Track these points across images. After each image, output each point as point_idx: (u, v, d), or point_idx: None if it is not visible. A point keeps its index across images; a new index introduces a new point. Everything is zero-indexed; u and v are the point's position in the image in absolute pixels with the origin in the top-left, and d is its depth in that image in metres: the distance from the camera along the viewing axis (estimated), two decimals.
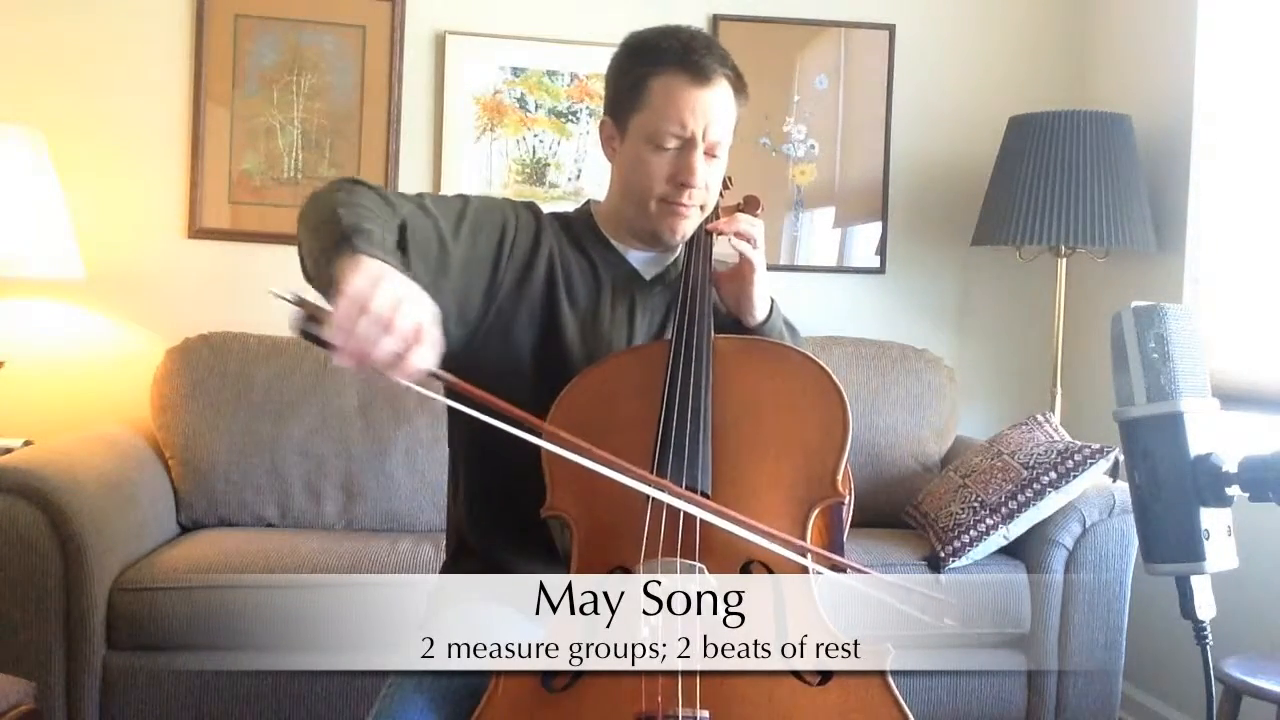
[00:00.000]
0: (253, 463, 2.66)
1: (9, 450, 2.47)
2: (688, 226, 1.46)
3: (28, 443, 2.59)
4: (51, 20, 2.90)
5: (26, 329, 2.86)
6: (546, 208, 1.54)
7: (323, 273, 1.13)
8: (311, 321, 1.01)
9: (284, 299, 1.01)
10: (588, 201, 1.60)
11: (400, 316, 1.01)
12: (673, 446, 1.24)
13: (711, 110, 1.39)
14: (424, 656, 1.29)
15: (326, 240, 1.15)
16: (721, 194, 1.60)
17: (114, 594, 2.21)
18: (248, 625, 2.23)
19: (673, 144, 1.40)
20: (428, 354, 1.03)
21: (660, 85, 1.39)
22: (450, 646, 1.31)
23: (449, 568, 1.54)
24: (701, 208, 1.46)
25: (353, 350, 1.00)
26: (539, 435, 1.15)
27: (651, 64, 1.40)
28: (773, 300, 1.49)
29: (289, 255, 3.00)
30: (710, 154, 1.42)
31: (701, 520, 1.16)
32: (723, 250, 1.50)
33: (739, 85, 1.44)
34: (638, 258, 1.52)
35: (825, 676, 1.11)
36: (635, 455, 1.24)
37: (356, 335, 1.00)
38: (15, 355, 2.76)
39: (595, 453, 1.12)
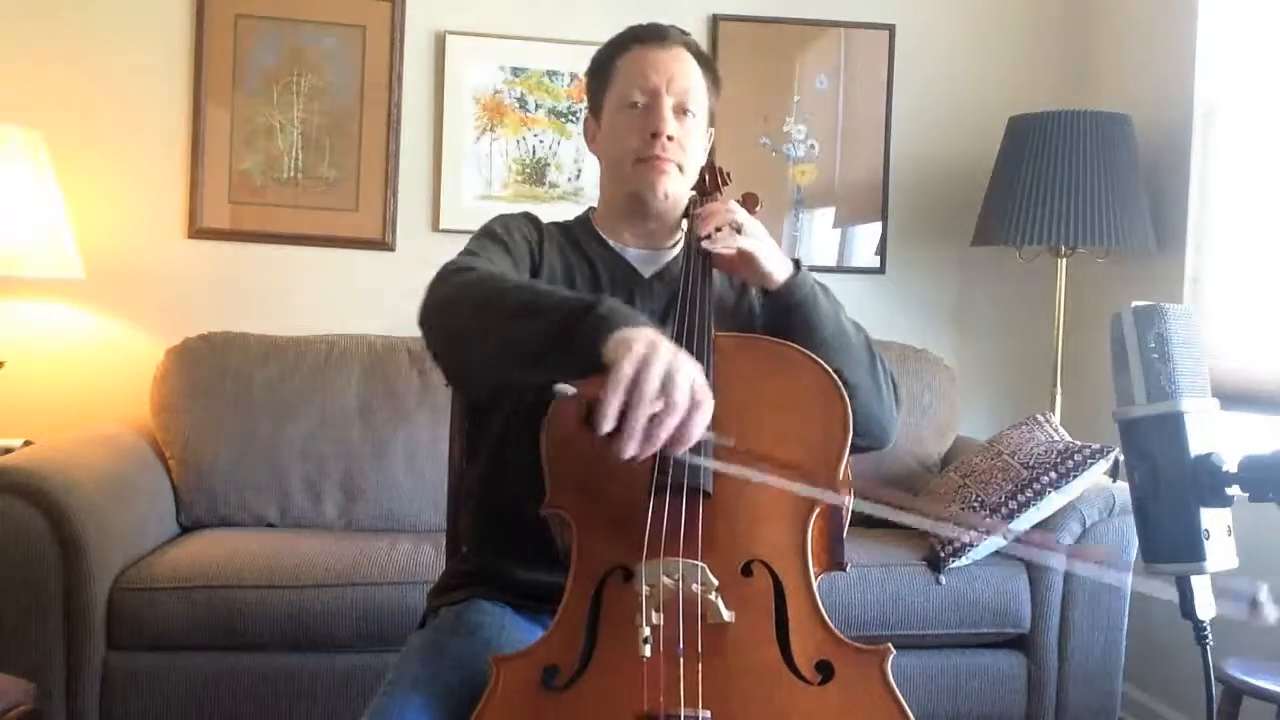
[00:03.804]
0: (253, 463, 2.66)
1: (9, 450, 2.47)
2: (668, 184, 1.47)
3: (27, 443, 2.59)
4: (51, 20, 2.90)
5: (26, 329, 2.87)
6: (546, 209, 1.56)
7: (567, 356, 1.08)
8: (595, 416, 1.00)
9: (567, 395, 1.04)
10: (589, 209, 1.63)
11: (677, 390, 1.00)
12: None
13: (674, 66, 1.47)
14: (423, 656, 1.30)
15: (543, 322, 1.11)
16: (720, 190, 1.61)
17: (114, 594, 2.21)
18: (248, 625, 2.23)
19: (640, 100, 1.46)
20: (705, 417, 1.02)
21: (623, 60, 1.49)
22: (449, 646, 1.31)
23: (450, 570, 1.54)
24: (680, 167, 1.48)
25: (644, 440, 1.00)
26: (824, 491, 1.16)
27: (614, 48, 1.52)
28: (798, 261, 1.45)
29: (288, 255, 3.06)
30: (680, 110, 1.47)
31: (703, 520, 1.16)
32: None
33: (705, 65, 1.51)
34: (635, 255, 1.54)
35: (826, 676, 1.11)
36: None
37: (642, 426, 0.99)
38: (15, 355, 2.76)
39: (896, 498, 1.13)
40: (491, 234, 1.46)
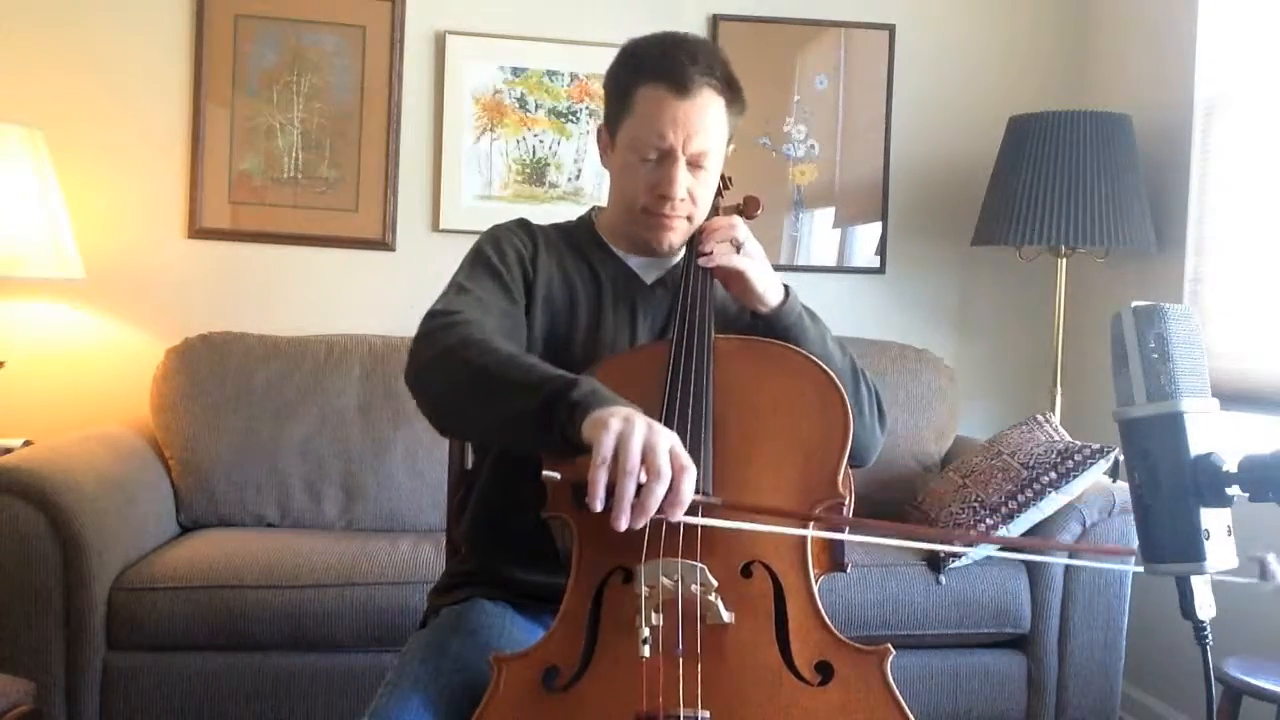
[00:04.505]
0: (253, 463, 2.66)
1: (9, 450, 2.47)
2: (674, 238, 1.46)
3: (28, 443, 2.59)
4: (52, 20, 2.90)
5: (26, 329, 2.87)
6: (546, 209, 1.55)
7: (547, 437, 1.11)
8: (583, 495, 1.03)
9: (555, 480, 1.09)
10: (592, 208, 1.61)
11: (658, 458, 1.02)
12: None
13: (693, 122, 1.38)
14: (424, 655, 1.30)
15: (522, 403, 1.12)
16: (721, 194, 1.60)
17: (114, 594, 2.21)
18: (248, 625, 2.23)
19: (654, 155, 1.41)
20: (691, 482, 1.04)
21: (643, 96, 1.40)
22: (450, 646, 1.31)
23: (451, 570, 1.54)
24: (689, 218, 1.46)
25: (636, 510, 1.02)
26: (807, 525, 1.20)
27: (638, 73, 1.41)
28: (788, 288, 1.47)
29: (288, 255, 3.06)
30: (695, 165, 1.41)
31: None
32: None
33: (730, 95, 1.42)
34: (637, 262, 1.53)
35: (826, 677, 1.11)
36: None
37: (630, 498, 1.01)
38: (15, 355, 2.76)
39: (868, 523, 1.15)
40: (483, 260, 1.44)
